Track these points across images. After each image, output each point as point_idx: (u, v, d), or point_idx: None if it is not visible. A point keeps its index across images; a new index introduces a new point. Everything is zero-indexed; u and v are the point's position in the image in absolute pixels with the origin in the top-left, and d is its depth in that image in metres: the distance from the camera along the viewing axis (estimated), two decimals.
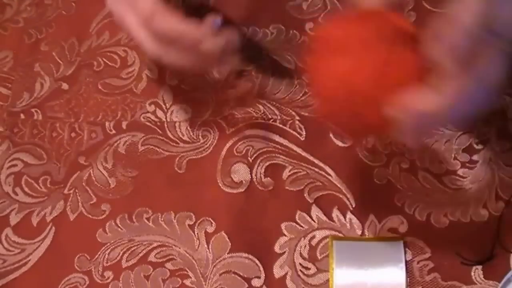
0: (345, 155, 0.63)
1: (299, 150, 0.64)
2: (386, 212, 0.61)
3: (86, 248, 0.61)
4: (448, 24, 0.44)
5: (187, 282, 0.59)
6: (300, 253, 0.60)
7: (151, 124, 0.66)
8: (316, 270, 0.59)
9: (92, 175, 0.64)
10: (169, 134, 0.65)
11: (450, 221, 0.61)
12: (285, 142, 0.64)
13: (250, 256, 0.60)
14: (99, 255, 0.61)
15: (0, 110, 0.68)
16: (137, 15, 0.57)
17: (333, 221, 0.61)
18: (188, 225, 0.61)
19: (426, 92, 0.45)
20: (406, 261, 0.59)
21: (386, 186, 0.62)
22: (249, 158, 0.64)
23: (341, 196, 0.62)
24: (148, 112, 0.67)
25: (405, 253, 0.59)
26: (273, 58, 0.69)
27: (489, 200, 0.61)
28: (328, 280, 0.58)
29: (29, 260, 0.61)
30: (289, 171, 0.63)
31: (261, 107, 0.66)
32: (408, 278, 0.58)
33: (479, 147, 0.63)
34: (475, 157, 0.63)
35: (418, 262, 0.59)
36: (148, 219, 0.62)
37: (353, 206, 0.61)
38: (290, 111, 0.66)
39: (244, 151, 0.64)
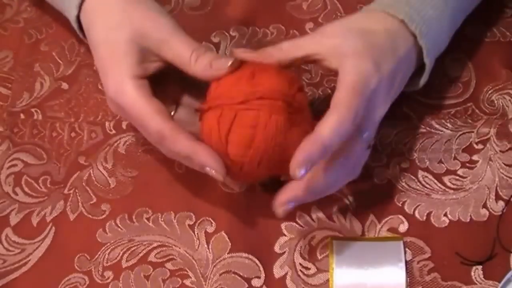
0: None
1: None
2: (386, 212, 0.61)
3: (86, 248, 0.61)
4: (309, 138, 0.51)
5: (187, 282, 0.59)
6: (300, 253, 0.60)
7: None
8: (316, 270, 0.59)
9: (92, 175, 0.64)
10: None
11: (450, 221, 0.61)
12: None
13: (250, 256, 0.60)
14: (99, 255, 0.61)
15: (0, 110, 0.68)
16: (147, 135, 0.57)
17: (333, 221, 0.61)
18: (188, 225, 0.61)
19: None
20: (406, 261, 0.59)
21: (386, 186, 0.62)
22: None
23: (341, 196, 0.62)
24: None
25: (405, 253, 0.59)
26: None
27: (489, 200, 0.61)
28: (328, 280, 0.58)
29: (29, 260, 0.61)
30: None
31: None
32: (408, 278, 0.58)
33: (479, 147, 0.64)
34: (475, 157, 0.63)
35: (418, 262, 0.59)
36: (148, 219, 0.62)
37: (353, 206, 0.61)
38: None
39: None
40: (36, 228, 0.62)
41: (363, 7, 0.62)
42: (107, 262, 0.60)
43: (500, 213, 0.60)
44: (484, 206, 0.61)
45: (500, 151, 0.63)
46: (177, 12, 0.72)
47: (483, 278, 0.58)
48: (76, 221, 0.62)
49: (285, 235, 0.61)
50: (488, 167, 0.63)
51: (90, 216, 0.62)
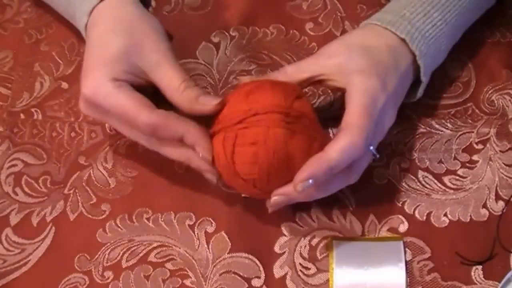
0: None
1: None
2: (386, 212, 0.61)
3: (86, 248, 0.61)
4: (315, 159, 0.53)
5: (187, 282, 0.59)
6: (300, 253, 0.60)
7: None
8: (316, 270, 0.59)
9: (92, 175, 0.64)
10: None
11: (450, 221, 0.61)
12: None
13: (250, 256, 0.60)
14: (99, 255, 0.61)
15: (0, 110, 0.68)
16: (136, 132, 0.57)
17: (333, 221, 0.61)
18: (188, 225, 0.61)
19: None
20: (406, 261, 0.59)
21: (386, 186, 0.62)
22: None
23: (341, 196, 0.62)
24: None
25: (405, 253, 0.59)
26: (273, 58, 0.69)
27: (489, 200, 0.61)
28: (328, 280, 0.58)
29: (29, 260, 0.61)
30: None
31: None
32: (408, 278, 0.58)
33: (479, 147, 0.64)
34: (475, 157, 0.63)
35: (418, 262, 0.59)
36: (148, 219, 0.62)
37: (353, 206, 0.61)
38: None
39: None
40: (36, 228, 0.62)
41: (363, 22, 0.62)
42: (107, 262, 0.60)
43: (500, 213, 0.60)
44: (484, 206, 0.61)
45: (500, 151, 0.63)
46: (177, 12, 0.72)
47: (483, 278, 0.58)
48: (76, 221, 0.62)
49: (285, 235, 0.61)
50: (488, 167, 0.63)
51: (90, 216, 0.62)
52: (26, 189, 0.64)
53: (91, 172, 0.64)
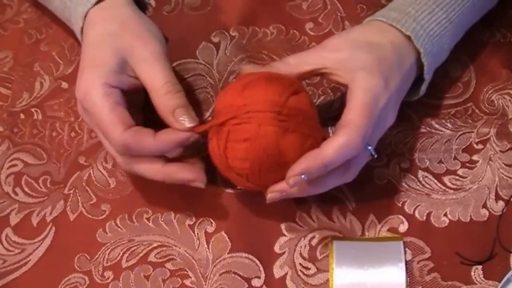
0: None
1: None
2: (386, 212, 0.61)
3: (86, 248, 0.61)
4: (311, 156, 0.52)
5: (187, 282, 0.59)
6: (300, 253, 0.60)
7: (151, 124, 0.66)
8: (316, 270, 0.59)
9: (92, 175, 0.64)
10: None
11: (450, 221, 0.61)
12: None
13: (250, 256, 0.60)
14: (99, 255, 0.61)
15: (0, 110, 0.68)
16: (110, 146, 0.57)
17: (333, 221, 0.61)
18: (188, 225, 0.61)
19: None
20: (406, 261, 0.59)
21: (386, 186, 0.62)
22: None
23: (341, 196, 0.62)
24: (148, 112, 0.66)
25: (405, 253, 0.59)
26: (273, 58, 0.69)
27: (489, 200, 0.61)
28: (328, 280, 0.58)
29: (29, 260, 0.61)
30: None
31: None
32: (408, 278, 0.58)
33: (479, 147, 0.64)
34: (475, 157, 0.63)
35: (418, 262, 0.59)
36: (148, 219, 0.62)
37: (353, 206, 0.61)
38: None
39: None
40: (36, 228, 0.62)
41: (367, 18, 0.62)
42: (107, 262, 0.60)
43: (500, 213, 0.60)
44: (484, 206, 0.61)
45: (500, 151, 0.63)
46: (177, 12, 0.72)
47: (483, 278, 0.58)
48: (76, 221, 0.62)
49: (285, 235, 0.61)
50: (488, 167, 0.63)
51: (90, 216, 0.62)
52: (26, 189, 0.64)
53: (91, 172, 0.64)
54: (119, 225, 0.62)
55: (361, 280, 0.58)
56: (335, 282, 0.58)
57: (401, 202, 0.62)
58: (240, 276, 0.59)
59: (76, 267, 0.60)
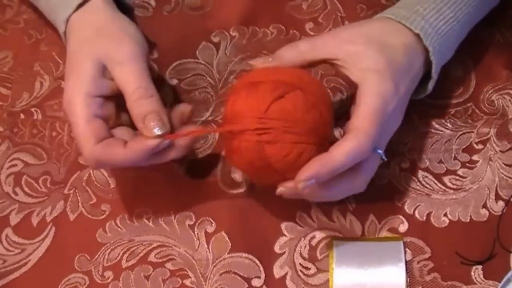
0: None
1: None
2: (386, 212, 0.61)
3: (86, 248, 0.61)
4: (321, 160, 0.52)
5: (187, 282, 0.59)
6: (300, 253, 0.60)
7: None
8: (316, 270, 0.59)
9: (92, 175, 0.64)
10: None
11: (450, 221, 0.61)
12: None
13: (250, 256, 0.60)
14: (99, 255, 0.61)
15: (0, 110, 0.68)
16: (82, 152, 0.56)
17: (333, 221, 0.61)
18: (188, 225, 0.61)
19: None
20: (406, 261, 0.59)
21: (386, 186, 0.62)
22: None
23: None
24: None
25: (405, 253, 0.59)
26: None
27: (489, 200, 0.61)
28: (328, 280, 0.58)
29: (29, 260, 0.61)
30: None
31: None
32: (408, 278, 0.58)
33: (479, 147, 0.64)
34: (475, 157, 0.63)
35: (418, 262, 0.59)
36: (148, 219, 0.62)
37: (353, 206, 0.61)
38: None
39: None
40: (36, 228, 0.62)
41: (377, 15, 0.61)
42: (107, 262, 0.60)
43: (500, 213, 0.60)
44: (484, 206, 0.61)
45: (500, 151, 0.63)
46: (177, 12, 0.72)
47: (483, 278, 0.58)
48: (76, 221, 0.62)
49: (285, 235, 0.61)
50: (488, 167, 0.63)
51: (90, 216, 0.62)
52: (26, 189, 0.64)
53: (91, 172, 0.64)
54: (119, 225, 0.62)
55: (361, 280, 0.58)
56: (335, 282, 0.58)
57: (401, 202, 0.62)
58: (240, 276, 0.59)
59: (76, 267, 0.60)
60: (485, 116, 0.65)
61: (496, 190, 0.62)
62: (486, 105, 0.66)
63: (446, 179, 0.62)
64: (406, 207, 0.61)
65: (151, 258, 0.60)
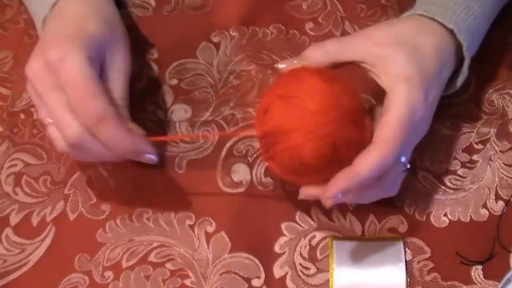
0: None
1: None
2: (386, 212, 0.61)
3: (86, 248, 0.61)
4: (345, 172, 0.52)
5: (187, 282, 0.59)
6: (300, 253, 0.60)
7: (151, 123, 0.66)
8: (316, 270, 0.59)
9: (92, 175, 0.64)
10: (169, 134, 0.65)
11: (450, 221, 0.61)
12: None
13: (250, 256, 0.60)
14: (99, 255, 0.61)
15: (0, 110, 0.68)
16: (81, 114, 0.53)
17: (333, 221, 0.61)
18: (188, 225, 0.61)
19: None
20: (406, 261, 0.59)
21: None
22: (249, 158, 0.64)
23: None
24: (148, 111, 0.67)
25: (405, 253, 0.59)
26: (273, 58, 0.69)
27: (489, 200, 0.61)
28: (328, 280, 0.58)
29: (29, 260, 0.61)
30: None
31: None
32: (408, 278, 0.58)
33: (479, 147, 0.64)
34: (475, 157, 0.63)
35: (418, 262, 0.59)
36: (148, 219, 0.62)
37: (353, 206, 0.61)
38: None
39: (244, 151, 0.64)
40: (36, 228, 0.62)
41: (407, 12, 0.60)
42: (107, 262, 0.60)
43: (500, 213, 0.61)
44: (484, 206, 0.61)
45: (500, 151, 0.63)
46: (177, 12, 0.72)
47: (483, 278, 0.58)
48: (76, 221, 0.62)
49: (285, 235, 0.61)
50: (488, 167, 0.63)
51: (90, 216, 0.62)
52: (26, 189, 0.64)
53: (91, 172, 0.64)
54: (119, 225, 0.62)
55: (361, 280, 0.58)
56: (335, 282, 0.58)
57: (401, 202, 0.62)
58: (240, 276, 0.59)
59: (76, 267, 0.60)
60: (485, 116, 0.65)
61: (496, 190, 0.62)
62: (486, 105, 0.66)
63: (446, 179, 0.62)
64: (406, 207, 0.61)
65: (151, 258, 0.60)
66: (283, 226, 0.61)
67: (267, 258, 0.60)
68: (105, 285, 0.59)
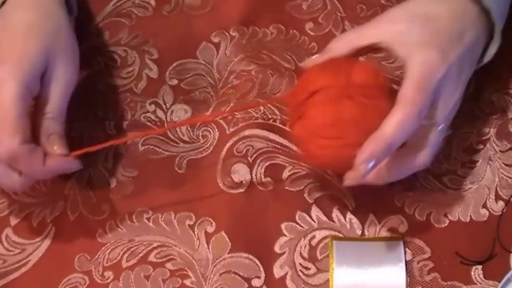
0: None
1: (299, 150, 0.64)
2: (386, 212, 0.61)
3: (86, 248, 0.61)
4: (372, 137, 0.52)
5: (187, 282, 0.59)
6: (300, 253, 0.60)
7: (151, 124, 0.66)
8: (316, 270, 0.59)
9: (92, 175, 0.64)
10: (169, 134, 0.65)
11: (450, 221, 0.61)
12: (285, 142, 0.64)
13: (250, 256, 0.60)
14: (99, 255, 0.61)
15: None
16: None
17: (333, 221, 0.61)
18: (188, 225, 0.61)
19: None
20: (406, 261, 0.59)
21: (386, 186, 0.62)
22: (249, 158, 0.64)
23: (341, 196, 0.62)
24: (148, 112, 0.67)
25: (405, 253, 0.59)
26: (273, 58, 0.69)
27: (489, 200, 0.61)
28: (328, 280, 0.58)
29: (29, 260, 0.61)
30: (289, 171, 0.63)
31: (261, 107, 0.66)
32: (408, 278, 0.58)
33: (479, 147, 0.64)
34: (475, 157, 0.63)
35: (418, 262, 0.59)
36: (148, 219, 0.62)
37: (353, 206, 0.61)
38: None
39: (244, 151, 0.64)
40: (36, 228, 0.62)
41: None
42: (107, 262, 0.60)
43: (500, 213, 0.61)
44: (484, 206, 0.61)
45: (500, 151, 0.63)
46: (177, 12, 0.72)
47: (483, 278, 0.58)
48: (76, 221, 0.62)
49: (285, 235, 0.61)
50: (488, 167, 0.63)
51: (90, 216, 0.62)
52: (26, 189, 0.64)
53: (91, 172, 0.64)
54: (119, 225, 0.62)
55: (361, 280, 0.58)
56: (335, 282, 0.58)
57: (401, 202, 0.62)
58: (240, 276, 0.59)
59: (76, 267, 0.60)
60: (485, 116, 0.65)
61: (496, 190, 0.62)
62: (486, 105, 0.66)
63: (446, 179, 0.62)
64: (406, 207, 0.61)
65: (151, 258, 0.60)
66: (283, 226, 0.61)
67: (267, 258, 0.60)
68: (105, 285, 0.59)
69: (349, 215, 0.61)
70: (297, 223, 0.61)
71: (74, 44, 0.61)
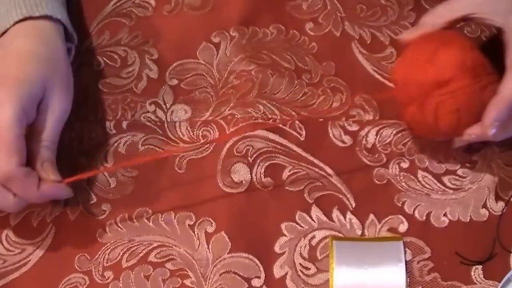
0: (345, 155, 0.64)
1: (299, 150, 0.64)
2: (386, 212, 0.61)
3: (86, 248, 0.61)
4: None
5: (187, 282, 0.59)
6: (300, 253, 0.60)
7: (151, 124, 0.66)
8: (316, 270, 0.59)
9: (92, 175, 0.64)
10: (169, 134, 0.65)
11: (450, 221, 0.61)
12: (285, 142, 0.64)
13: (250, 256, 0.60)
14: (99, 255, 0.61)
15: None
16: None
17: (333, 221, 0.61)
18: (188, 225, 0.61)
19: None
20: (406, 261, 0.59)
21: (386, 186, 0.62)
22: (249, 158, 0.64)
23: (341, 196, 0.62)
24: (148, 112, 0.67)
25: (405, 253, 0.59)
26: (273, 58, 0.69)
27: (489, 200, 0.61)
28: (328, 280, 0.59)
29: (29, 260, 0.61)
30: (289, 171, 0.63)
31: (261, 107, 0.66)
32: (408, 278, 0.58)
33: (479, 147, 0.64)
34: (475, 157, 0.63)
35: (418, 262, 0.59)
36: (148, 219, 0.62)
37: (353, 206, 0.62)
38: (290, 111, 0.66)
39: (244, 151, 0.64)
40: (36, 228, 0.62)
41: None
42: (107, 262, 0.60)
43: (500, 213, 0.61)
44: (484, 206, 0.61)
45: (500, 151, 0.63)
46: (177, 12, 0.72)
47: (483, 278, 0.58)
48: (76, 221, 0.62)
49: (285, 235, 0.61)
50: (488, 167, 0.63)
51: (90, 216, 0.62)
52: None
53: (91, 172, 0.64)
54: (119, 225, 0.62)
55: (361, 280, 0.58)
56: (335, 282, 0.58)
57: (401, 202, 0.62)
58: (240, 276, 0.59)
59: (76, 267, 0.60)
60: None
61: (496, 190, 0.62)
62: None
63: (445, 179, 0.62)
64: (406, 207, 0.61)
65: (151, 258, 0.60)
66: (283, 226, 0.61)
67: (267, 258, 0.60)
68: (105, 285, 0.59)
69: (349, 215, 0.61)
70: (297, 223, 0.61)
71: (70, 74, 0.62)
